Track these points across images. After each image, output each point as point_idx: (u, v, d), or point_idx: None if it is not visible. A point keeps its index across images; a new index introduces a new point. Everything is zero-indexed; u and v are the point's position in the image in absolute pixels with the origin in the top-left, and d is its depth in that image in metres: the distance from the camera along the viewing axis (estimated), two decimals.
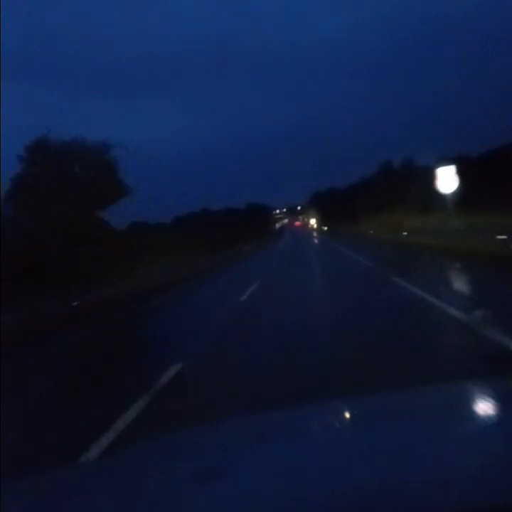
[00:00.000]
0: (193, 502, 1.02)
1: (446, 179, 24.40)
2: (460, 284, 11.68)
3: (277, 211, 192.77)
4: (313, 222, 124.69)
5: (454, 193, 24.07)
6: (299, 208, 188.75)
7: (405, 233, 28.94)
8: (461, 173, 24.20)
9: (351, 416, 1.56)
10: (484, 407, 1.39)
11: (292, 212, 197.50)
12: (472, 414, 1.35)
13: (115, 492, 1.18)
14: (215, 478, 1.10)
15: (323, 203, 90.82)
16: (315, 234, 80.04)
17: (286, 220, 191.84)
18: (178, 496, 1.08)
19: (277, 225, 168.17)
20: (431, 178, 26.01)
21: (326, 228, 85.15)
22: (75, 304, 15.13)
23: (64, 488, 1.23)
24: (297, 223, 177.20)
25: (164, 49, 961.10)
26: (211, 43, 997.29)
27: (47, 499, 1.17)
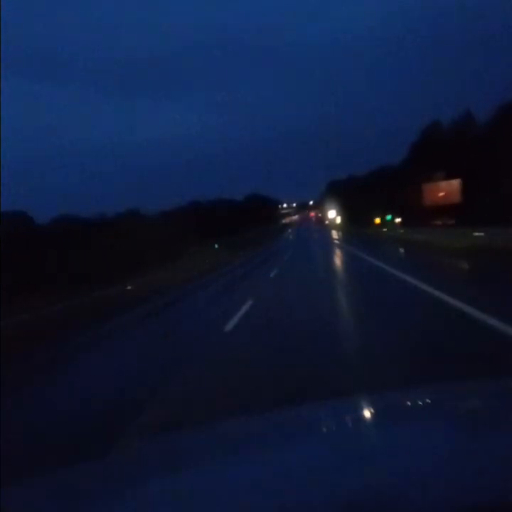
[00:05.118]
0: (193, 502, 1.02)
1: None
2: None
3: (285, 205, 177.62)
4: (332, 215, 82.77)
5: None
6: (310, 202, 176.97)
7: None
8: None
9: (351, 416, 1.56)
10: (484, 407, 1.39)
11: (303, 208, 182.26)
12: (472, 414, 1.34)
13: (115, 492, 1.18)
14: (215, 478, 1.10)
15: (346, 192, 66.29)
16: (339, 245, 31.38)
17: (295, 216, 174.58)
18: (178, 496, 1.07)
19: (284, 221, 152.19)
20: None
21: (397, 220, 38.77)
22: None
23: (64, 488, 1.23)
24: (312, 214, 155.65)
25: (173, 48, 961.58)
26: (227, 40, 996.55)
27: (47, 499, 1.17)
